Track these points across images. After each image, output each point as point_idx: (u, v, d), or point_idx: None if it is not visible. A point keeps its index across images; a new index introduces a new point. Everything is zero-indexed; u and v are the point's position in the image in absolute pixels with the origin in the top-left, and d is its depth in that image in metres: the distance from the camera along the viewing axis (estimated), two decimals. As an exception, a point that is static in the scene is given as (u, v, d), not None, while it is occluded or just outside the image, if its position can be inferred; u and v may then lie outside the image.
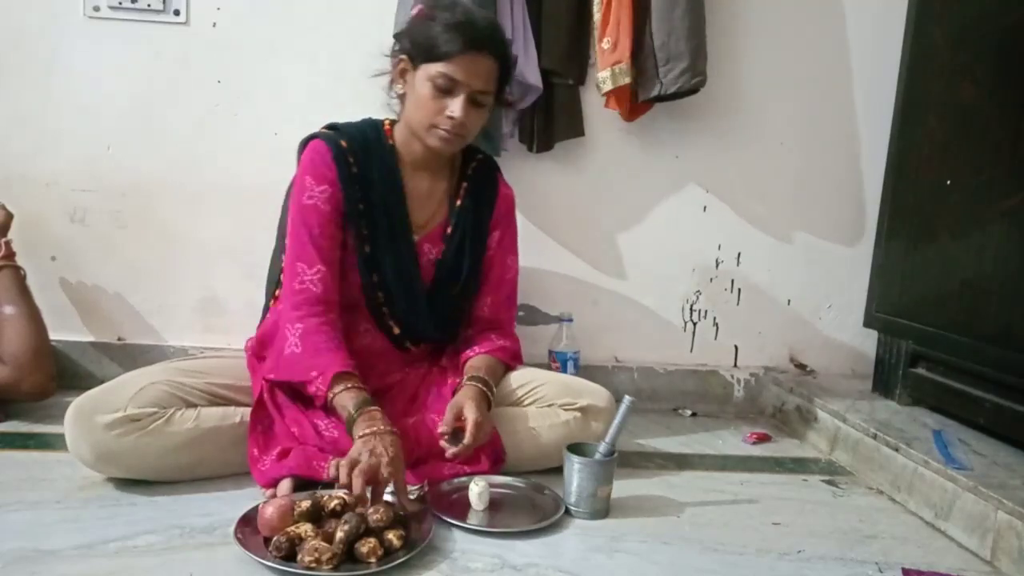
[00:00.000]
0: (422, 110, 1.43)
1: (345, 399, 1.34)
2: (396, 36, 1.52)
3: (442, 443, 1.39)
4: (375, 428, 1.28)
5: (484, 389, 1.46)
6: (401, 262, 1.51)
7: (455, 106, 1.41)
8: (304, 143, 1.53)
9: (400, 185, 1.52)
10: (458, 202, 1.58)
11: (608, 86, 1.88)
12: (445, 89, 1.41)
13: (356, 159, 1.49)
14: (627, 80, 1.86)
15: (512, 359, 1.62)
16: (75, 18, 1.91)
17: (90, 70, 1.92)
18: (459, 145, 1.50)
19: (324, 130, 1.53)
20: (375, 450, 1.23)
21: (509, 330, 1.67)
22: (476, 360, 1.55)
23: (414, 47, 1.43)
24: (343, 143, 1.48)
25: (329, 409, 1.40)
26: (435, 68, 1.40)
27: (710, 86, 1.92)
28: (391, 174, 1.52)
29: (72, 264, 1.98)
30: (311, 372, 1.38)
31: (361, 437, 1.26)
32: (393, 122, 1.56)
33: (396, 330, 1.55)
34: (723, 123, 2.06)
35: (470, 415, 1.38)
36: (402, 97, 1.50)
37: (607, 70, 1.87)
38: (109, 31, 1.92)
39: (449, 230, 1.57)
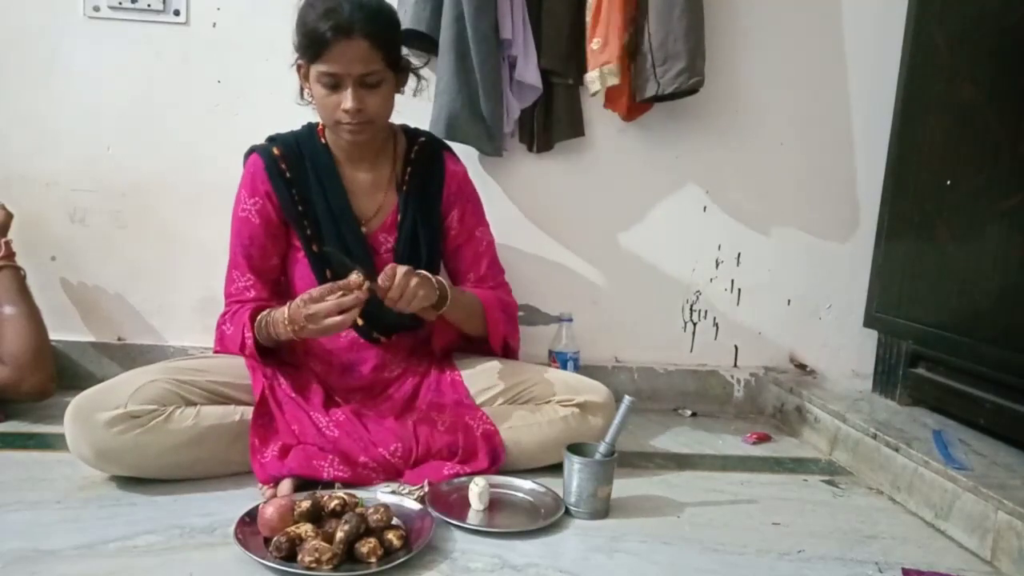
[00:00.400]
0: (323, 109, 1.47)
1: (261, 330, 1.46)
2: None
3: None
4: (282, 325, 1.40)
5: (436, 276, 1.49)
6: (350, 255, 1.51)
7: (345, 99, 1.43)
8: (246, 156, 1.59)
9: (338, 180, 1.56)
10: (404, 188, 1.59)
11: (596, 87, 1.87)
12: (332, 85, 1.43)
13: (288, 164, 1.55)
14: (615, 81, 1.85)
15: (499, 302, 1.63)
16: (75, 18, 1.91)
17: (90, 70, 1.92)
18: (371, 132, 1.50)
19: (263, 142, 1.58)
20: (303, 327, 1.37)
21: (504, 291, 1.70)
22: None
23: (299, 52, 1.47)
24: (276, 151, 1.55)
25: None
26: (316, 69, 1.43)
27: (709, 86, 1.92)
28: (327, 171, 1.56)
29: (72, 264, 1.98)
30: (244, 334, 1.46)
31: (291, 330, 1.40)
32: None
33: (360, 322, 1.55)
34: (723, 123, 2.06)
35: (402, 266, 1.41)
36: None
37: (596, 71, 1.86)
38: (109, 31, 1.92)
39: (399, 217, 1.58)
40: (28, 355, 1.67)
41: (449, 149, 1.69)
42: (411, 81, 1.59)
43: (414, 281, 1.39)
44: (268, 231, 1.55)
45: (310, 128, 1.61)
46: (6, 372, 1.65)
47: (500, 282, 1.71)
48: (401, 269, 1.40)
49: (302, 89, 1.53)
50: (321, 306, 1.35)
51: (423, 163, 1.62)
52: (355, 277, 1.37)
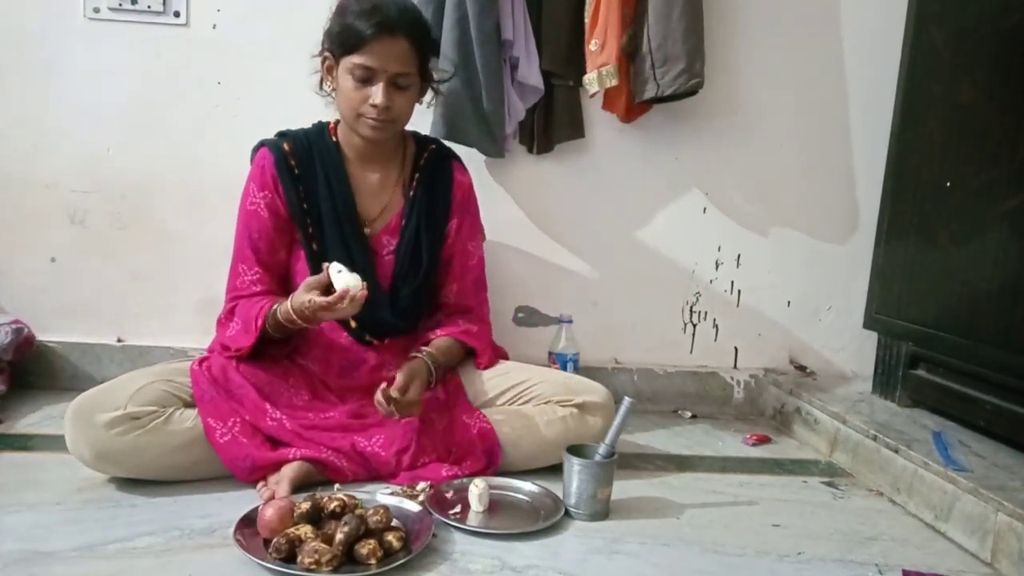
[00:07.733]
0: (347, 102, 1.47)
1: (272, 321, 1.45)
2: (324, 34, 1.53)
3: (377, 399, 1.40)
4: (289, 315, 1.40)
5: (427, 362, 1.48)
6: (351, 256, 1.51)
7: (376, 93, 1.43)
8: (255, 150, 1.59)
9: (345, 179, 1.56)
10: (411, 193, 1.59)
11: (595, 88, 1.87)
12: (364, 79, 1.44)
13: (298, 160, 1.55)
14: (614, 82, 1.85)
15: (477, 342, 1.62)
16: (75, 19, 1.91)
17: (90, 71, 1.92)
18: (391, 131, 1.51)
19: (272, 137, 1.58)
20: (306, 315, 1.37)
21: (479, 315, 1.68)
22: (435, 340, 1.57)
23: (332, 42, 1.47)
24: (286, 146, 1.55)
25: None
26: (351, 60, 1.43)
27: (709, 87, 1.92)
28: (336, 169, 1.56)
29: (72, 265, 1.97)
30: (257, 321, 1.45)
31: (299, 316, 1.39)
32: (338, 121, 1.58)
33: (353, 324, 1.55)
34: (722, 124, 2.06)
35: (398, 378, 1.40)
36: (334, 93, 1.52)
37: (594, 72, 1.86)
38: (109, 32, 1.92)
39: (404, 221, 1.58)
40: None
41: (458, 158, 1.69)
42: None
43: (415, 410, 1.43)
44: (276, 225, 1.54)
45: (321, 126, 1.61)
46: None
47: (480, 302, 1.69)
48: (413, 390, 1.40)
49: (322, 80, 1.53)
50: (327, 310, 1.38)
51: (432, 170, 1.62)
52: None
